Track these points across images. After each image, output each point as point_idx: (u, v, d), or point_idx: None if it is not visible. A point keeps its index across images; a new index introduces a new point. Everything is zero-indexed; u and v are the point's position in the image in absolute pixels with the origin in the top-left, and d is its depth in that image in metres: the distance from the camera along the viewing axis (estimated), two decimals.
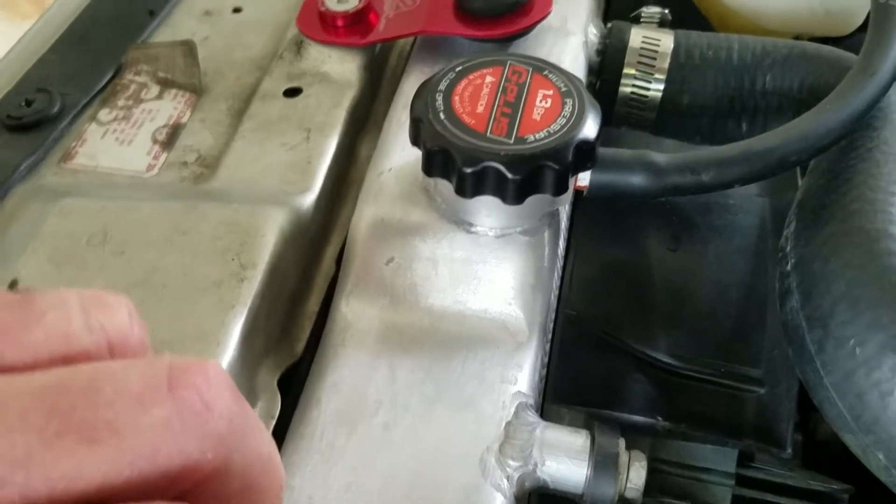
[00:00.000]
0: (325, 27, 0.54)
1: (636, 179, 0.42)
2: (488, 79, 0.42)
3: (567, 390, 0.48)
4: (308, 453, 0.38)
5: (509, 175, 0.39)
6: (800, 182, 0.53)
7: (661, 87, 0.53)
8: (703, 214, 0.58)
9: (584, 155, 0.40)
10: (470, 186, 0.40)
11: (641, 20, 0.57)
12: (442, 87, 0.42)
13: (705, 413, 0.52)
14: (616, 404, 0.50)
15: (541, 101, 0.41)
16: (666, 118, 0.54)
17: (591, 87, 0.53)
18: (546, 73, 0.43)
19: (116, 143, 0.51)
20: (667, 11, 0.57)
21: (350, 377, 0.40)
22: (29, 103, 0.53)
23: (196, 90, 0.54)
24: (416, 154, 0.45)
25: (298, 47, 0.55)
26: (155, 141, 0.51)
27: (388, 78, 0.59)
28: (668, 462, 0.48)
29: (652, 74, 0.53)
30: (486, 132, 0.40)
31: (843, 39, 0.64)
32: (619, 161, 0.42)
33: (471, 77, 0.42)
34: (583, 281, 0.54)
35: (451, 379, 0.41)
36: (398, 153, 0.47)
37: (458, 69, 0.43)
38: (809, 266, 0.41)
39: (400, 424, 0.39)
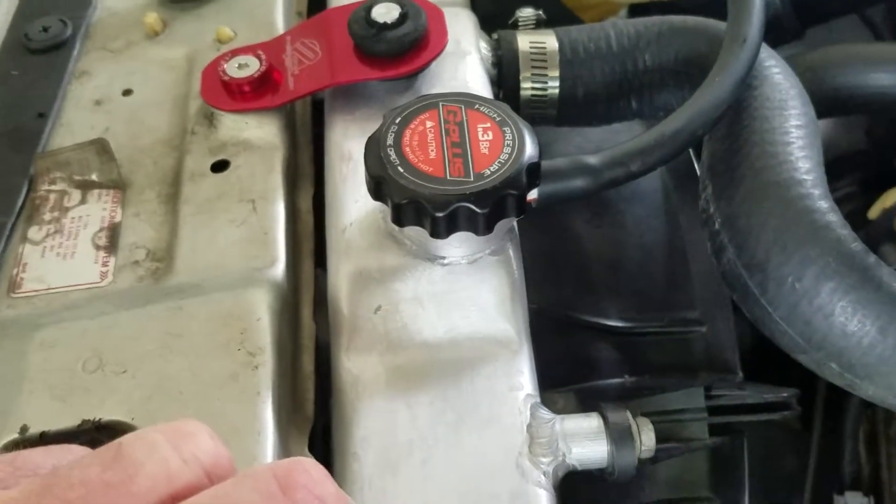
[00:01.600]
0: (233, 95, 0.55)
1: (577, 183, 0.47)
2: (428, 124, 0.46)
3: (551, 376, 0.53)
4: (365, 482, 0.41)
5: (479, 210, 0.42)
6: None
7: (557, 84, 0.58)
8: (616, 194, 0.64)
9: (534, 174, 0.44)
10: (444, 228, 0.43)
11: (520, 25, 0.61)
12: (389, 141, 0.45)
13: (662, 360, 0.58)
14: (591, 375, 0.56)
15: (483, 136, 0.45)
16: (566, 112, 0.59)
17: (496, 97, 0.57)
18: (477, 106, 0.46)
19: (59, 259, 0.51)
20: (540, 12, 0.61)
21: (377, 426, 0.43)
22: None
23: (119, 185, 0.54)
24: (370, 204, 0.48)
25: (210, 120, 0.56)
26: (97, 247, 0.51)
27: (300, 126, 0.61)
28: (650, 414, 0.54)
29: (546, 75, 0.58)
30: (447, 175, 0.43)
31: None
32: (560, 171, 0.47)
33: (412, 126, 0.45)
34: (529, 275, 0.59)
35: (467, 401, 0.44)
36: (352, 206, 0.49)
37: (397, 121, 0.46)
38: (736, 223, 0.48)
39: (436, 456, 0.42)
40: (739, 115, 0.51)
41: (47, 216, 0.53)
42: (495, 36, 0.60)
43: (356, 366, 0.46)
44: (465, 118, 0.46)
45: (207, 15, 0.64)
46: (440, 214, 0.42)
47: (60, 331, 0.45)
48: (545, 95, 0.59)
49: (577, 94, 0.59)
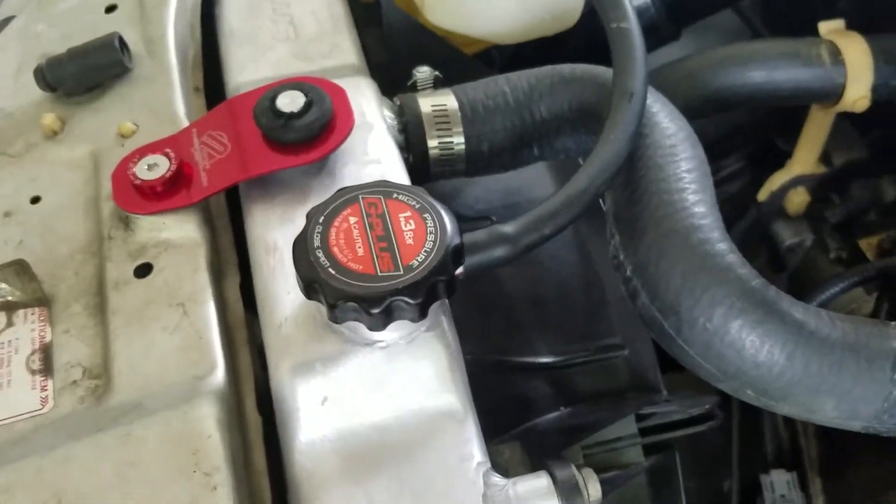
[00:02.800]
0: (146, 197, 0.56)
1: (497, 253, 0.50)
2: (352, 220, 0.47)
3: (493, 423, 0.56)
4: None
5: (413, 301, 0.45)
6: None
7: (462, 142, 0.61)
8: None
9: (458, 255, 0.47)
10: (381, 322, 0.45)
11: (419, 87, 0.63)
12: (316, 242, 0.46)
13: (592, 388, 0.62)
14: (529, 414, 0.59)
15: (405, 225, 0.47)
16: (473, 165, 0.62)
17: (406, 162, 0.59)
18: (395, 195, 0.48)
19: None
20: (437, 73, 0.63)
21: None
22: None
23: (44, 303, 0.54)
24: (301, 297, 0.50)
25: (126, 223, 0.56)
26: (32, 372, 0.51)
27: (215, 212, 0.61)
28: (588, 447, 0.58)
29: (451, 135, 0.60)
30: (377, 272, 0.45)
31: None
32: (479, 244, 0.49)
33: (336, 224, 0.47)
34: (458, 326, 0.61)
35: (421, 478, 0.47)
36: (285, 298, 0.51)
37: (321, 220, 0.47)
38: (646, 270, 0.51)
39: None
40: (635, 165, 0.54)
41: None
42: (397, 102, 0.62)
43: (310, 459, 0.47)
44: (385, 210, 0.48)
45: (105, 108, 0.64)
46: (376, 311, 0.44)
47: (15, 472, 0.45)
48: (452, 153, 0.61)
49: (483, 148, 0.61)
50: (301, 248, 0.47)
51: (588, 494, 0.47)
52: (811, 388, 0.48)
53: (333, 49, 0.68)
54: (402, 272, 0.45)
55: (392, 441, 0.48)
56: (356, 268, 0.45)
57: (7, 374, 0.51)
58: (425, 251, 0.46)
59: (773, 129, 1.04)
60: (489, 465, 0.48)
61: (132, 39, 0.67)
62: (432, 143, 0.61)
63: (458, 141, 0.61)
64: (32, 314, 0.54)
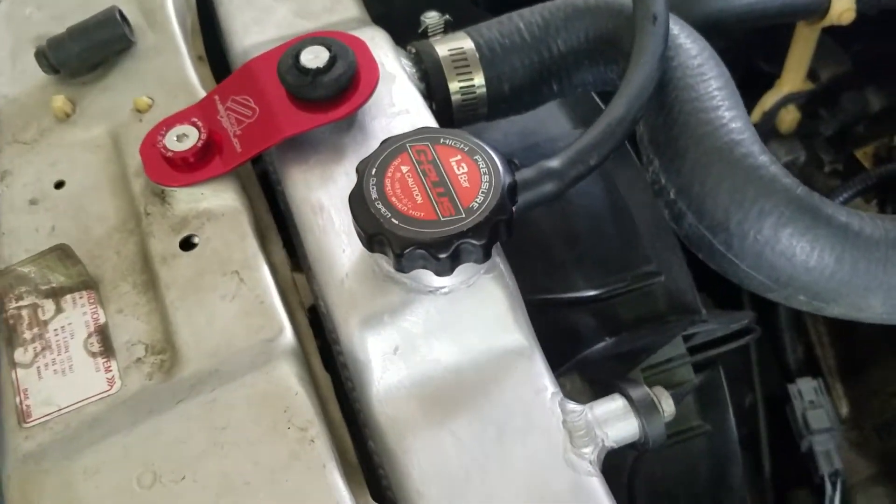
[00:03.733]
0: (179, 169, 0.55)
1: (546, 188, 0.50)
2: (404, 168, 0.47)
3: (551, 363, 0.57)
4: None
5: (478, 242, 0.45)
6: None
7: (483, 84, 0.61)
8: None
9: (514, 193, 0.47)
10: (448, 266, 0.46)
11: (430, 33, 0.63)
12: (374, 195, 0.46)
13: (633, 316, 0.63)
14: (578, 348, 0.60)
15: (458, 169, 0.47)
16: (496, 107, 0.62)
17: (431, 109, 0.59)
18: (442, 140, 0.48)
19: (58, 376, 0.50)
20: (447, 16, 0.63)
21: (430, 460, 0.46)
22: None
23: (91, 285, 0.54)
24: (357, 250, 0.50)
25: (162, 197, 0.56)
26: (93, 354, 0.51)
27: (245, 178, 0.60)
28: (643, 369, 0.60)
29: (472, 78, 0.60)
30: (439, 217, 0.45)
31: None
32: (529, 181, 0.50)
33: (389, 174, 0.47)
34: None
35: (501, 413, 0.48)
36: (341, 256, 0.51)
37: (373, 173, 0.47)
38: (690, 191, 0.52)
39: (491, 472, 0.46)
40: (665, 88, 0.55)
41: (27, 335, 0.52)
42: (412, 49, 0.62)
43: (391, 408, 0.48)
44: (435, 155, 0.48)
45: (114, 86, 0.63)
46: (444, 255, 0.45)
47: (100, 453, 0.45)
48: (474, 96, 0.61)
49: (504, 89, 0.61)
50: (359, 202, 0.47)
51: (663, 410, 0.48)
52: (860, 287, 0.50)
53: (335, 3, 0.67)
54: (463, 215, 0.45)
55: (466, 382, 0.49)
56: (418, 215, 0.46)
57: (67, 359, 0.51)
58: (482, 192, 0.46)
59: (754, 52, 1.05)
60: (562, 394, 0.49)
61: (130, 12, 0.65)
62: (454, 87, 0.61)
63: (479, 83, 0.61)
64: (81, 298, 0.53)
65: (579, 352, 0.60)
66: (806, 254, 0.49)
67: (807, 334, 0.87)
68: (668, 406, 0.48)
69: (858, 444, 0.82)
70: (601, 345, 0.61)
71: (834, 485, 0.77)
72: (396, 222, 0.45)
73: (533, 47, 0.61)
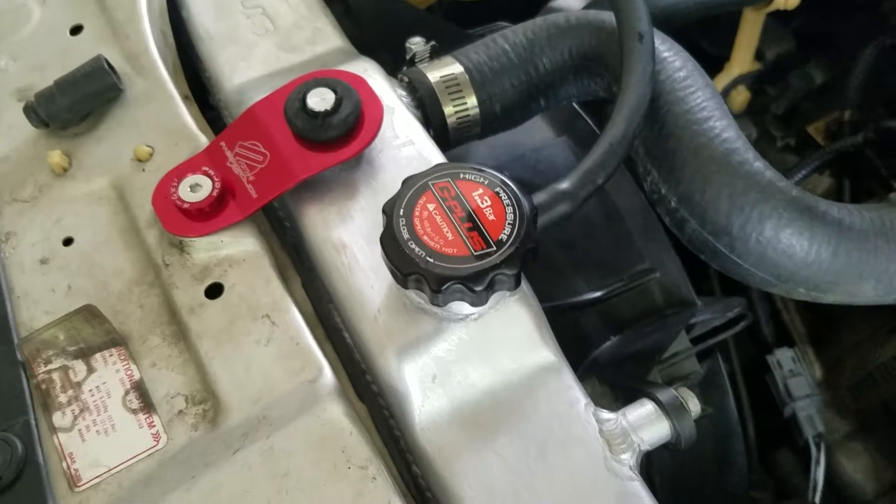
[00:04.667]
0: (195, 219, 0.56)
1: (561, 209, 0.53)
2: (430, 206, 0.49)
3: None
4: None
5: (511, 273, 0.47)
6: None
7: (476, 105, 0.63)
8: (538, 174, 0.70)
9: (536, 218, 0.50)
10: (484, 297, 0.48)
11: (417, 61, 0.64)
12: (406, 235, 0.48)
13: (633, 313, 0.67)
14: (588, 349, 0.64)
15: (482, 203, 0.49)
16: (488, 126, 0.64)
17: (429, 133, 0.61)
18: (462, 175, 0.50)
19: (101, 436, 0.51)
20: (433, 42, 0.65)
21: (478, 482, 0.49)
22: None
23: (120, 342, 0.54)
24: (384, 285, 0.52)
25: (181, 248, 0.56)
26: (133, 411, 0.52)
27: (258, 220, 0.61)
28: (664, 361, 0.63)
29: (465, 101, 0.62)
30: (472, 252, 0.48)
31: None
32: (545, 204, 0.52)
33: (417, 214, 0.49)
34: None
35: (539, 429, 0.50)
36: (370, 293, 0.53)
37: (401, 213, 0.49)
38: (692, 199, 0.56)
39: (539, 488, 0.49)
40: (657, 102, 0.58)
41: (63, 398, 0.52)
42: (405, 78, 0.63)
43: (435, 435, 0.50)
44: (458, 191, 0.50)
45: (109, 136, 0.63)
46: (480, 288, 0.47)
47: None
48: (468, 119, 0.63)
49: (496, 109, 0.63)
50: (392, 243, 0.48)
51: (690, 409, 0.51)
52: (855, 275, 0.54)
53: (316, 34, 0.68)
54: (494, 248, 0.48)
55: (503, 402, 0.51)
56: (451, 251, 0.48)
57: (108, 419, 0.52)
58: (509, 223, 0.49)
59: (699, 35, 1.09)
60: (593, 405, 0.52)
61: (114, 58, 0.65)
62: (449, 111, 0.63)
63: (472, 105, 0.63)
64: (111, 356, 0.54)
65: (589, 353, 0.63)
66: (805, 251, 0.53)
67: (774, 304, 0.92)
68: (694, 406, 0.52)
69: (834, 405, 0.88)
70: (607, 344, 0.65)
71: (818, 446, 0.83)
72: (432, 261, 0.47)
73: (520, 67, 0.63)
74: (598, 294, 0.66)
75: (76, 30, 0.68)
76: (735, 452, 0.72)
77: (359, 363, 0.54)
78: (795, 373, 0.84)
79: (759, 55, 1.02)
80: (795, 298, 0.57)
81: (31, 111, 0.62)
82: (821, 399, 0.85)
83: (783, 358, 0.85)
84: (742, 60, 1.00)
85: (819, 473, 0.83)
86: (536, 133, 0.74)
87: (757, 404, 0.89)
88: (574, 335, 0.63)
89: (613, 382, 0.58)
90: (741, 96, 1.02)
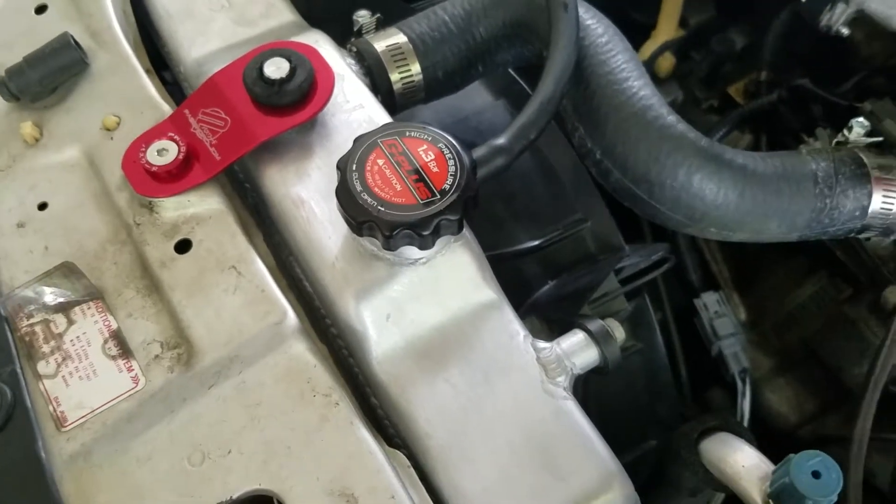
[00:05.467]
0: (163, 181, 0.60)
1: (498, 162, 0.58)
2: (380, 161, 0.55)
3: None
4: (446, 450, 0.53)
5: (454, 217, 0.53)
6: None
7: (420, 72, 0.68)
8: (480, 135, 0.75)
9: (475, 170, 0.56)
10: (431, 241, 0.54)
11: (364, 32, 0.69)
12: (359, 187, 0.54)
13: (569, 259, 0.73)
14: (529, 293, 0.70)
15: (426, 157, 0.55)
16: (431, 92, 0.70)
17: (377, 99, 0.66)
18: (408, 133, 0.56)
19: (84, 381, 0.56)
20: (378, 15, 0.70)
21: (432, 406, 0.54)
22: None
23: (97, 295, 0.59)
24: (340, 235, 0.57)
25: (150, 208, 0.61)
26: (112, 357, 0.57)
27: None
28: (588, 304, 0.70)
29: (409, 69, 0.68)
30: (418, 201, 0.53)
31: None
32: (483, 158, 0.58)
33: (368, 168, 0.54)
34: None
35: (484, 358, 0.56)
36: (327, 242, 0.58)
37: (353, 168, 0.54)
38: (614, 150, 0.62)
39: (485, 409, 0.55)
40: (581, 65, 0.64)
41: (45, 348, 0.57)
42: (353, 48, 0.68)
43: (391, 367, 0.56)
44: (404, 147, 0.55)
45: (77, 108, 0.67)
46: (426, 232, 0.53)
47: (147, 443, 0.52)
48: (413, 85, 0.69)
49: (438, 75, 0.69)
50: (346, 195, 0.54)
51: (616, 336, 0.58)
52: (760, 215, 0.61)
53: (269, 9, 0.73)
54: (438, 196, 0.53)
55: (451, 336, 0.57)
56: (400, 201, 0.53)
57: (89, 366, 0.56)
58: (451, 174, 0.54)
59: (625, 5, 1.15)
60: (531, 336, 0.58)
61: (78, 34, 0.69)
62: (395, 78, 0.68)
63: (417, 72, 0.68)
64: (89, 308, 0.58)
65: (529, 296, 0.70)
66: (714, 194, 0.60)
67: (701, 254, 0.99)
68: (619, 333, 0.58)
69: (758, 344, 0.96)
70: (546, 288, 0.71)
71: (744, 381, 0.90)
72: (383, 209, 0.53)
73: (459, 36, 0.69)
74: (536, 242, 0.72)
75: (41, 9, 0.72)
76: (664, 384, 0.80)
77: (318, 309, 0.60)
78: (721, 314, 0.92)
79: (683, 22, 1.09)
80: (708, 238, 0.63)
81: (2, 86, 0.65)
82: (745, 338, 0.93)
83: (709, 301, 0.93)
84: (667, 28, 1.06)
85: (745, 405, 0.90)
86: (476, 97, 0.79)
87: (688, 347, 0.96)
88: (516, 281, 0.69)
89: (550, 319, 0.65)
90: (667, 62, 1.09)
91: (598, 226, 0.74)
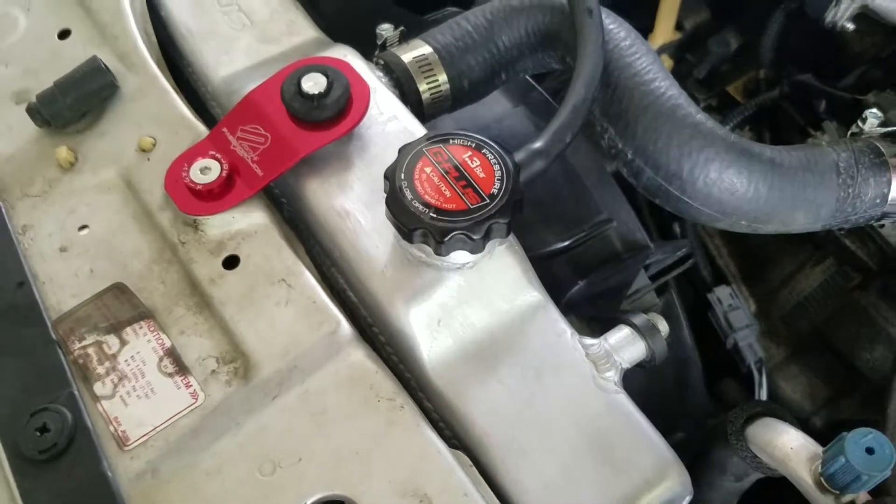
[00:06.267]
0: (205, 199, 0.61)
1: (537, 166, 0.60)
2: (427, 170, 0.56)
3: None
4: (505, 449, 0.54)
5: (504, 221, 0.55)
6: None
7: (447, 81, 0.70)
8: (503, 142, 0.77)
9: (519, 173, 0.57)
10: (482, 244, 0.55)
11: (388, 45, 0.71)
12: (409, 196, 0.55)
13: (596, 259, 0.75)
14: (561, 294, 0.71)
15: (473, 163, 0.56)
16: (458, 101, 0.71)
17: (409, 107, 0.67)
18: (451, 141, 0.57)
19: (143, 400, 0.56)
20: (402, 28, 0.71)
21: (487, 408, 0.56)
22: (42, 430, 0.54)
23: (146, 315, 0.59)
24: (387, 245, 0.59)
25: (195, 227, 0.62)
26: (169, 375, 0.57)
27: None
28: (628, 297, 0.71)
29: (436, 79, 0.69)
30: (468, 206, 0.55)
31: None
32: (523, 162, 0.59)
33: (416, 177, 0.56)
34: None
35: (533, 358, 0.58)
36: (374, 252, 0.59)
37: (402, 177, 0.56)
38: (646, 150, 0.64)
39: (539, 407, 0.56)
40: (608, 68, 0.66)
41: (100, 370, 0.57)
42: (380, 61, 0.70)
43: (444, 371, 0.57)
44: (450, 154, 0.57)
45: (110, 131, 0.67)
46: (478, 237, 0.54)
47: (215, 455, 0.52)
48: (440, 94, 0.70)
49: (464, 84, 0.71)
50: (397, 203, 0.55)
51: (660, 330, 0.60)
52: (788, 207, 0.63)
53: (291, 26, 0.74)
54: (488, 200, 0.55)
55: (500, 337, 0.59)
56: (451, 206, 0.55)
57: (146, 385, 0.57)
58: (497, 179, 0.56)
59: (622, 9, 1.18)
60: (577, 333, 0.60)
61: (105, 58, 0.69)
62: (422, 88, 0.69)
63: (444, 81, 0.70)
64: (141, 328, 0.59)
65: (562, 297, 0.71)
66: (745, 187, 0.62)
67: (706, 249, 1.02)
68: (663, 327, 0.60)
69: (769, 334, 0.98)
70: (576, 287, 0.73)
71: (760, 371, 0.93)
72: (434, 216, 0.54)
73: (483, 46, 0.70)
74: (564, 244, 0.74)
75: (64, 34, 0.72)
76: (693, 377, 0.81)
77: (364, 318, 0.61)
78: (734, 307, 0.94)
79: (678, 26, 1.12)
80: (738, 231, 0.65)
81: (34, 111, 0.66)
82: (758, 328, 0.96)
83: (722, 294, 0.95)
84: (664, 31, 1.09)
85: (763, 395, 0.93)
86: (496, 105, 0.81)
87: (699, 342, 0.98)
88: (547, 282, 0.71)
89: (590, 317, 0.66)
90: (665, 64, 1.11)
91: (623, 225, 0.76)
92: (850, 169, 0.64)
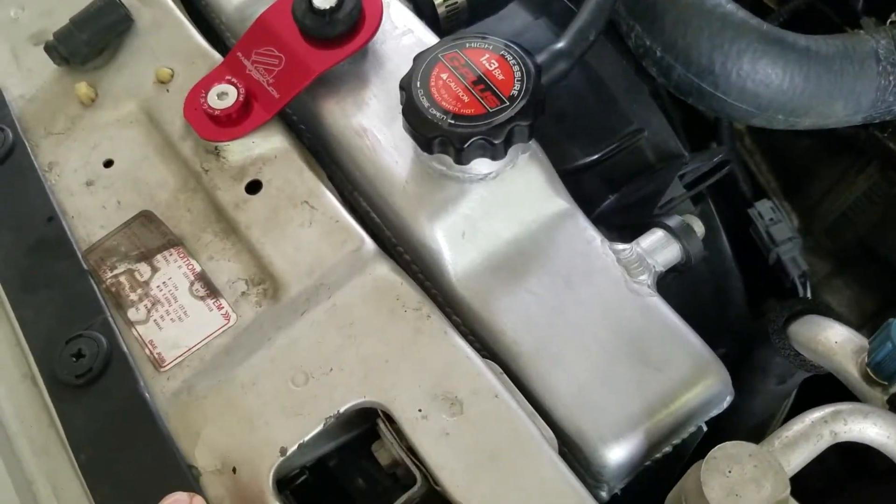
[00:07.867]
0: (225, 125, 0.61)
1: (560, 67, 0.58)
2: (443, 76, 0.55)
3: None
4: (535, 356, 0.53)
5: (525, 123, 0.53)
6: None
7: None
8: None
9: (540, 74, 0.55)
10: (503, 149, 0.54)
11: None
12: (426, 103, 0.54)
13: (628, 171, 0.73)
14: (593, 208, 0.70)
15: (491, 66, 0.55)
16: (475, 13, 0.70)
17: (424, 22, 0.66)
18: (468, 44, 0.56)
19: (177, 323, 0.57)
20: None
21: (517, 316, 0.55)
22: (78, 356, 0.55)
23: (176, 242, 0.59)
24: (407, 161, 0.58)
25: (216, 154, 0.61)
26: (201, 298, 0.57)
27: None
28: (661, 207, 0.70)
29: None
30: (488, 110, 0.53)
31: None
32: (545, 63, 0.58)
33: (432, 84, 0.54)
34: None
35: (562, 266, 0.57)
36: (395, 168, 0.58)
37: (418, 85, 0.54)
38: (676, 45, 0.61)
39: (570, 313, 0.55)
40: None
41: (133, 296, 0.58)
42: None
43: (471, 283, 0.56)
44: (467, 59, 0.55)
45: (128, 65, 0.67)
46: (499, 141, 0.53)
47: (250, 369, 0.52)
48: (456, 6, 0.68)
49: None
50: (413, 112, 0.54)
51: (696, 231, 0.58)
52: (826, 97, 0.60)
53: None
54: (507, 102, 0.53)
55: (527, 248, 0.57)
56: (469, 112, 0.53)
57: (179, 308, 0.57)
58: (518, 80, 0.54)
59: None
60: (607, 240, 0.58)
61: None
62: (438, 1, 0.68)
63: None
64: (171, 255, 0.59)
65: (593, 212, 0.70)
66: (780, 78, 0.60)
67: (747, 166, 0.99)
68: (699, 227, 0.59)
69: (812, 249, 0.95)
70: (608, 201, 0.71)
71: (804, 285, 0.90)
72: (453, 122, 0.53)
73: None
74: (594, 157, 0.72)
75: None
76: (733, 289, 0.79)
77: (388, 239, 0.60)
78: (776, 220, 0.91)
79: None
80: (774, 126, 0.63)
81: (52, 49, 0.66)
82: (801, 242, 0.93)
83: (763, 209, 0.92)
84: None
85: None
86: (515, 19, 0.79)
87: (739, 261, 0.96)
88: (577, 197, 0.69)
89: (621, 225, 0.65)
90: None
91: (656, 135, 0.74)
92: (890, 56, 0.61)
